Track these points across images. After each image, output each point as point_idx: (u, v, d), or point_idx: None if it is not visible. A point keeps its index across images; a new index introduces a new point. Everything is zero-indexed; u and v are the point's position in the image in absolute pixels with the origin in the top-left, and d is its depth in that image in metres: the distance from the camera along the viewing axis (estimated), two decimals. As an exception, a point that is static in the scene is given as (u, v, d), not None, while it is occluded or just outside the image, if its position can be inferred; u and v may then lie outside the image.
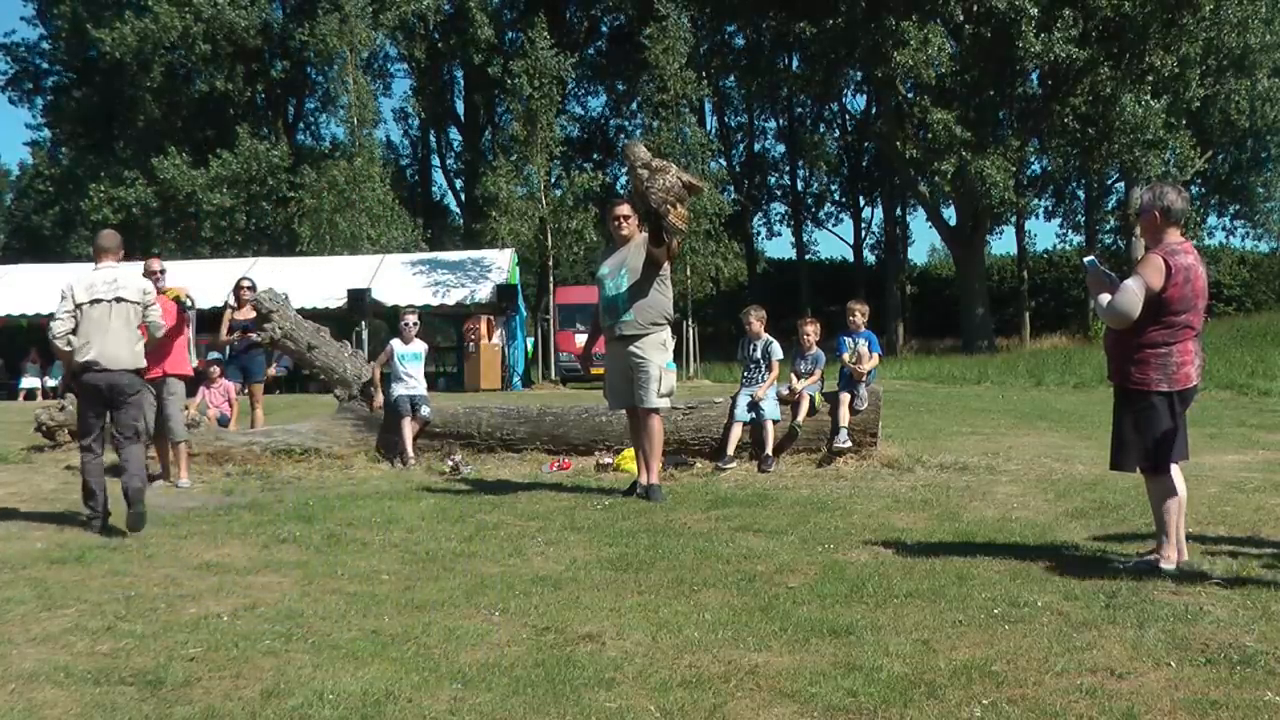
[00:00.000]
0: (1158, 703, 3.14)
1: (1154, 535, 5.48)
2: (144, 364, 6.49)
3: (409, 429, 8.90)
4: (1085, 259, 5.18)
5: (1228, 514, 6.03)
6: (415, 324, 9.50)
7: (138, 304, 6.37)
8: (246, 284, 10.84)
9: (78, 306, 6.22)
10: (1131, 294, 4.63)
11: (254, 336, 10.32)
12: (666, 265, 7.15)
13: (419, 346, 9.39)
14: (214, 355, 11.41)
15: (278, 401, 16.00)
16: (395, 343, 9.42)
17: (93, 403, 6.31)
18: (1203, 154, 33.03)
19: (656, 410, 7.08)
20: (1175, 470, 4.80)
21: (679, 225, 6.98)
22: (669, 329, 7.18)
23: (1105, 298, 4.76)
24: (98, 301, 6.22)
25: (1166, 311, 4.63)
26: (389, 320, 23.05)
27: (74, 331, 6.21)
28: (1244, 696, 3.17)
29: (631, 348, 7.03)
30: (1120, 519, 5.98)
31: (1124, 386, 4.77)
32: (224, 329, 10.81)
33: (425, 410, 9.02)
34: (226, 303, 11.15)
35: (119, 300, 6.26)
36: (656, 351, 7.03)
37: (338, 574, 4.97)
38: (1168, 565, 4.67)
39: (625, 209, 7.33)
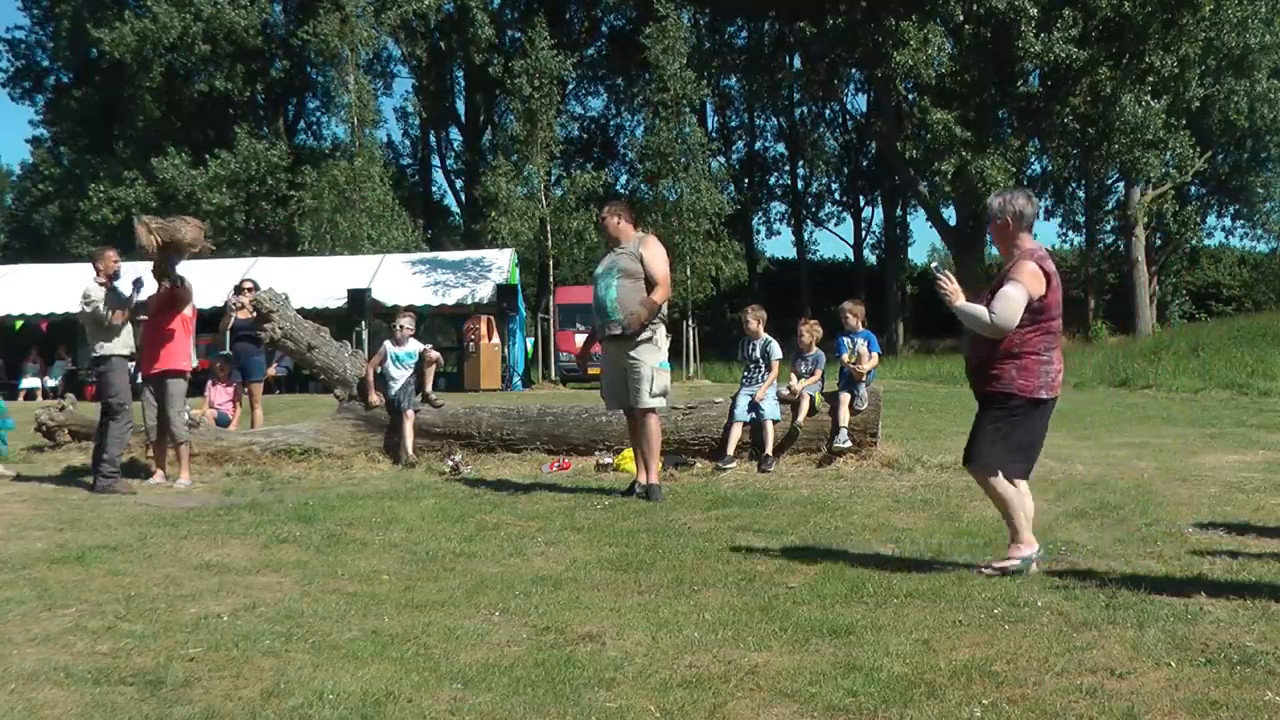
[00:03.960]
0: (1158, 703, 3.14)
1: (1151, 535, 5.50)
2: (103, 352, 8.00)
3: (409, 427, 8.89)
4: (933, 265, 4.98)
5: (1228, 514, 6.03)
6: (409, 327, 9.48)
7: (82, 304, 8.06)
8: (249, 284, 10.90)
9: None
10: (1015, 302, 4.53)
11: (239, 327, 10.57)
12: (667, 266, 7.17)
13: (413, 347, 9.38)
14: (222, 353, 11.48)
15: (278, 401, 16.00)
16: (388, 344, 9.42)
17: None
18: (1202, 154, 33.03)
19: (652, 410, 7.08)
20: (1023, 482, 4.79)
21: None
22: (662, 328, 7.19)
23: (978, 308, 4.61)
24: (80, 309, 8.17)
25: (1045, 317, 4.58)
26: (389, 320, 23.08)
27: None
28: (1244, 696, 3.17)
29: (623, 347, 7.05)
30: (1120, 518, 5.98)
31: (1004, 393, 4.62)
32: (223, 324, 10.98)
33: (406, 404, 8.99)
34: (228, 302, 11.21)
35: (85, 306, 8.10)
36: (649, 352, 7.05)
37: (338, 574, 4.97)
38: (1029, 550, 4.69)
39: (607, 209, 7.48)
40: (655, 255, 7.13)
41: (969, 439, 4.77)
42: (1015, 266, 4.61)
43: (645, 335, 7.06)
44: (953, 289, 4.71)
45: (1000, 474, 4.69)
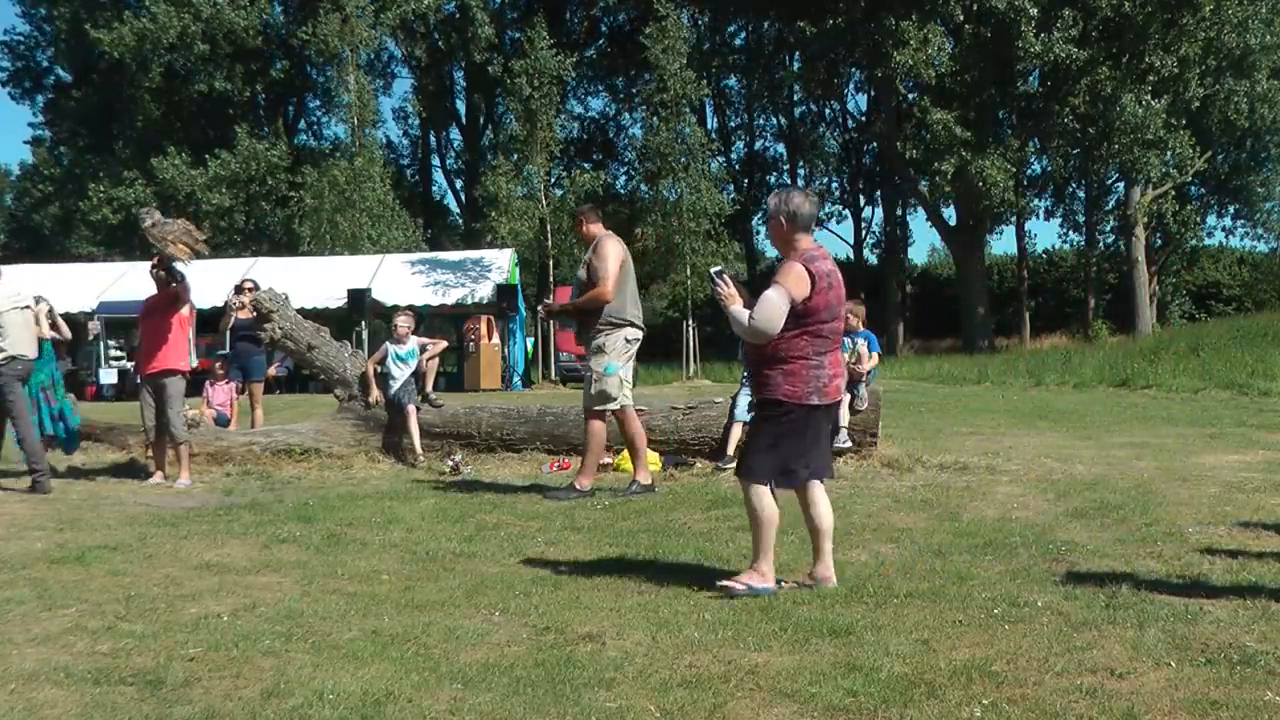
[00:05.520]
0: (1158, 703, 3.14)
1: (1151, 535, 5.50)
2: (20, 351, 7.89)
3: (414, 424, 8.87)
4: (713, 269, 4.83)
5: (1228, 514, 6.03)
6: (406, 325, 9.47)
7: (29, 308, 8.03)
8: (249, 284, 10.90)
9: None
10: (774, 306, 4.37)
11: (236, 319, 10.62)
12: (616, 265, 7.10)
13: (412, 344, 9.37)
14: (220, 353, 11.48)
15: (278, 401, 15.99)
16: (389, 343, 9.42)
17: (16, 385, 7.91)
18: (1202, 154, 33.03)
19: (596, 414, 7.13)
20: (818, 488, 4.61)
21: (181, 257, 8.07)
22: (616, 333, 7.11)
23: (742, 312, 4.49)
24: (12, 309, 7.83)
25: (812, 320, 4.41)
26: (389, 320, 23.11)
27: None
28: (1244, 696, 3.17)
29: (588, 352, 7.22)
30: (1120, 518, 5.98)
31: (772, 400, 4.46)
32: (223, 324, 10.98)
33: (406, 400, 8.98)
34: (228, 302, 11.22)
35: (24, 307, 7.95)
36: (596, 357, 7.12)
37: (338, 574, 4.97)
38: (764, 584, 4.45)
39: (577, 212, 7.67)
40: (603, 255, 7.12)
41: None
42: (781, 268, 4.48)
43: (597, 340, 7.10)
44: (728, 293, 4.57)
45: (768, 486, 4.49)
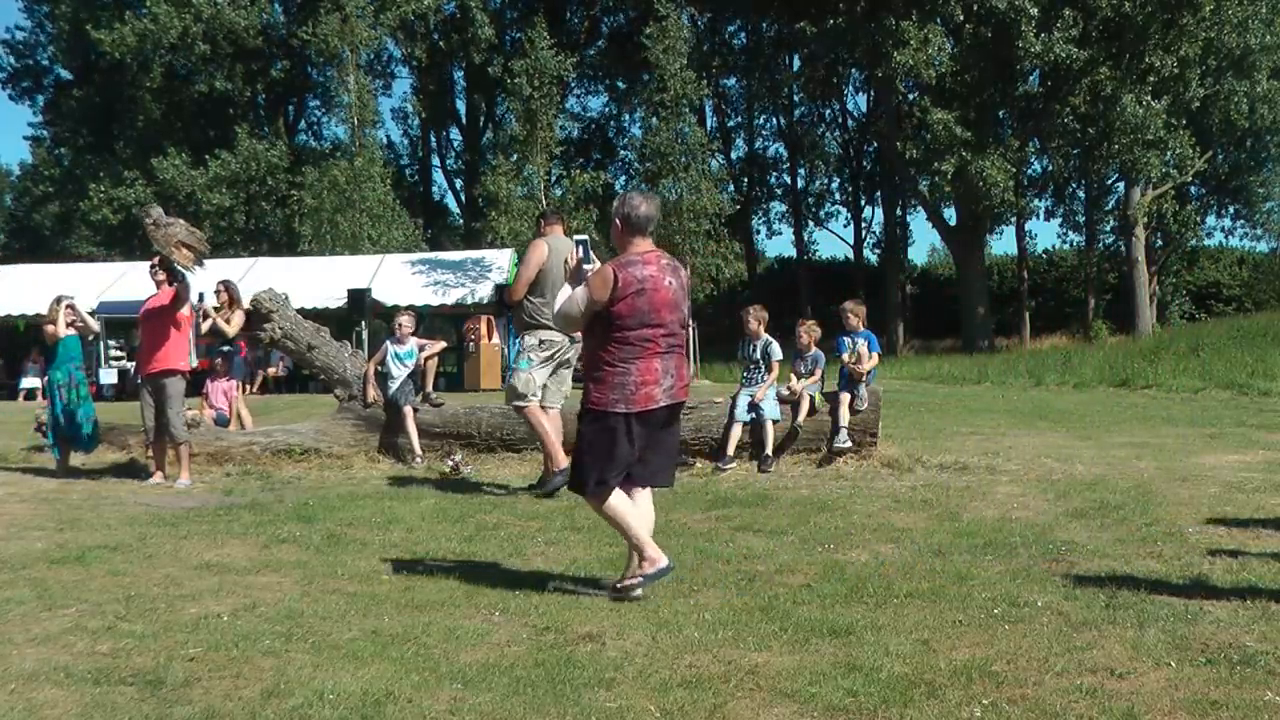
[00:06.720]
0: (1158, 703, 3.14)
1: (1151, 535, 5.50)
2: None
3: (412, 424, 8.87)
4: (577, 237, 4.80)
5: (1228, 514, 6.03)
6: (407, 324, 9.46)
7: None
8: (220, 286, 10.88)
9: None
10: (571, 300, 4.45)
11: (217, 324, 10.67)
12: (530, 269, 7.21)
13: (412, 344, 9.36)
14: (224, 349, 11.44)
15: (277, 402, 16.00)
16: (389, 343, 9.41)
17: None
18: (1202, 154, 33.02)
19: (518, 406, 7.32)
20: (645, 494, 4.60)
21: (185, 264, 8.08)
22: (535, 332, 7.22)
23: (561, 296, 4.54)
24: None
25: (617, 327, 4.35)
26: (389, 320, 23.09)
27: None
28: (1244, 696, 3.17)
29: None
30: (1120, 518, 5.98)
31: (584, 408, 4.47)
32: (205, 325, 10.94)
33: (404, 401, 8.98)
34: (218, 305, 11.19)
35: None
36: (519, 356, 7.42)
37: (338, 574, 4.97)
38: (658, 567, 4.45)
39: (541, 214, 7.90)
40: (523, 259, 7.43)
41: None
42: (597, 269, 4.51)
43: (521, 340, 7.41)
44: (572, 277, 4.66)
45: (609, 494, 4.43)
